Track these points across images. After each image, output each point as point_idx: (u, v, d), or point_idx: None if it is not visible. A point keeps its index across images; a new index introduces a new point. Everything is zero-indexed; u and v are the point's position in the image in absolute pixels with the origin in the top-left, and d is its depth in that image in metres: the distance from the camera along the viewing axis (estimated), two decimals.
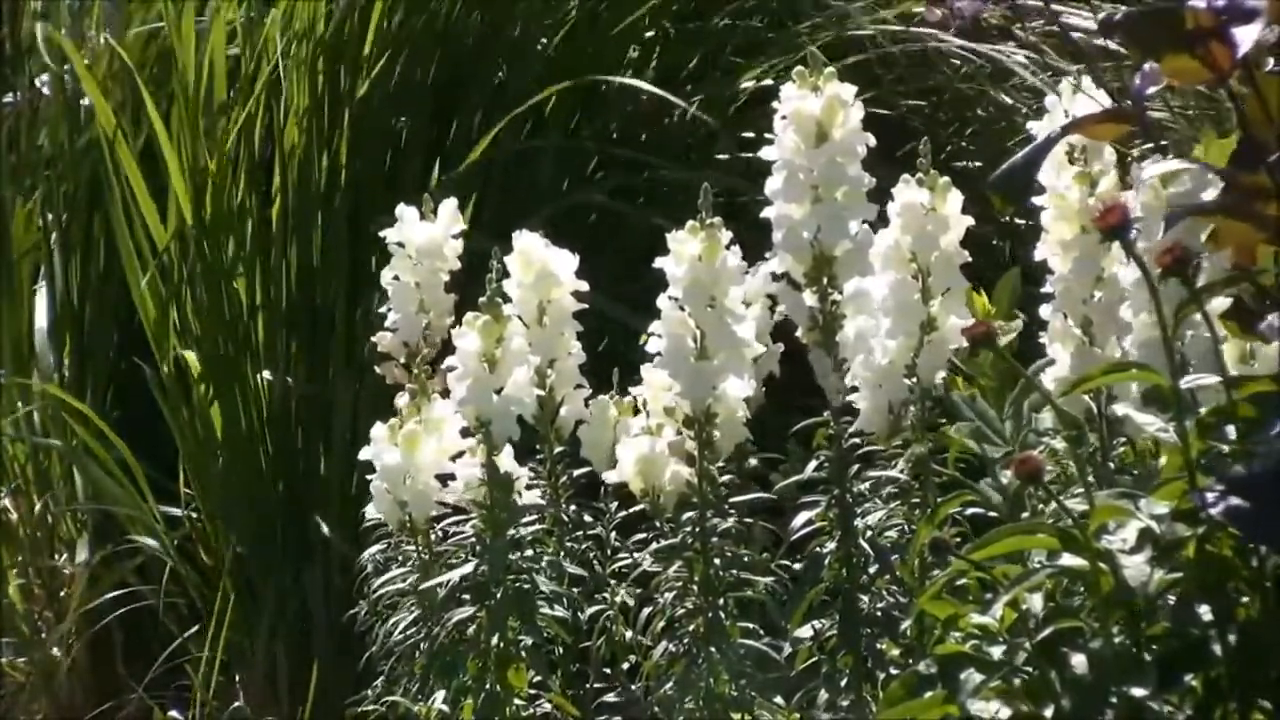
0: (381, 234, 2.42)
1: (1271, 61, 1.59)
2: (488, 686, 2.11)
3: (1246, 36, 1.52)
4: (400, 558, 2.24)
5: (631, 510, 2.22)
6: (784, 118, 2.10)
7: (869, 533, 2.08)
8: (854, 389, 2.11)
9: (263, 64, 3.02)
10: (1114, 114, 1.69)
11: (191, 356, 2.97)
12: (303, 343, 3.00)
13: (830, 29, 3.25)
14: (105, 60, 3.17)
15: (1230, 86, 1.56)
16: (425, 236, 2.39)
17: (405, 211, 2.40)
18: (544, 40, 3.23)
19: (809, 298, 2.12)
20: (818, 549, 2.10)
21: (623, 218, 3.20)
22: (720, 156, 3.23)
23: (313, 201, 3.00)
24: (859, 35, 3.27)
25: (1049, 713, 1.46)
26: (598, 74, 3.21)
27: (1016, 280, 2.41)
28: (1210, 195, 1.76)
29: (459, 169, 3.01)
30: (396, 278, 2.40)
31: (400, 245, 2.40)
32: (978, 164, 3.34)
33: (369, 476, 2.23)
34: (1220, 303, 1.82)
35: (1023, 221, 2.85)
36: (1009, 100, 3.32)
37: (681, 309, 2.08)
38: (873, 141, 2.11)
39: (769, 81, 3.22)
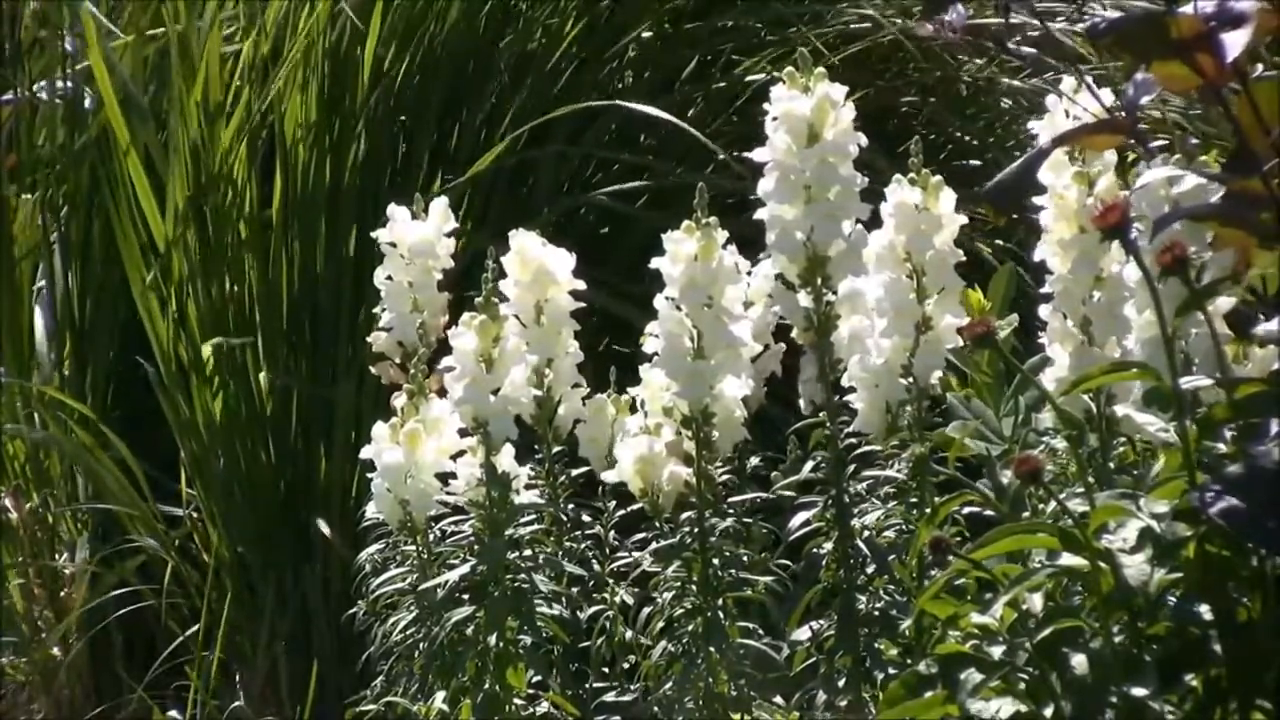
0: (373, 234, 2.42)
1: (1260, 67, 1.57)
2: (486, 686, 2.11)
3: (1234, 43, 1.51)
4: (399, 557, 2.23)
5: (630, 509, 2.22)
6: (775, 119, 2.09)
7: (866, 533, 2.08)
8: (851, 389, 2.11)
9: (266, 62, 3.01)
10: (1108, 125, 1.68)
11: (191, 356, 2.97)
12: (303, 343, 3.00)
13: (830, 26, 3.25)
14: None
15: (1220, 93, 1.55)
16: (417, 236, 2.39)
17: (396, 211, 2.40)
18: (545, 43, 3.23)
19: (804, 298, 2.12)
20: (815, 549, 2.10)
21: (627, 216, 3.20)
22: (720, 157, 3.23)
23: (316, 203, 3.00)
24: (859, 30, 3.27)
25: (1049, 712, 1.46)
26: (598, 78, 3.21)
27: (1011, 277, 2.41)
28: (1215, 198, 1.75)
29: (462, 177, 3.01)
30: (389, 277, 2.40)
31: (392, 245, 2.39)
32: (977, 162, 3.34)
33: (369, 475, 2.23)
34: (1225, 302, 1.82)
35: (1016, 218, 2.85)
36: (1008, 101, 3.32)
37: (678, 309, 2.08)
38: (864, 141, 2.10)
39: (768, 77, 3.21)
